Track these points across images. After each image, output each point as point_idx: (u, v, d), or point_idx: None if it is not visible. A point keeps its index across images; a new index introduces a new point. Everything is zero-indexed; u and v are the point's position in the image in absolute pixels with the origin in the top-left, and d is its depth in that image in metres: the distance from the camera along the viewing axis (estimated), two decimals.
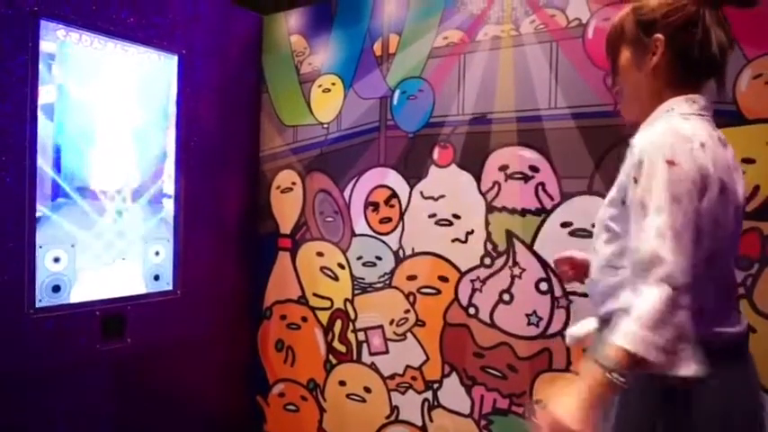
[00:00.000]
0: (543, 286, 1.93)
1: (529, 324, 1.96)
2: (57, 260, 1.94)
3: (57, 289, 1.94)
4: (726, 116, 1.61)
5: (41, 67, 1.86)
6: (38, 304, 1.89)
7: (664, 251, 0.91)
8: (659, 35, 1.07)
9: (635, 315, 0.90)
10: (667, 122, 1.02)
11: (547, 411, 0.93)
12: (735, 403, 1.01)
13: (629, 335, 0.89)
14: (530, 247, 1.96)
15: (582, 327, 1.22)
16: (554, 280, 1.92)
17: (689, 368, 0.89)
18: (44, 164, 1.89)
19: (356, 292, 2.38)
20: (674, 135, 0.98)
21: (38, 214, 1.88)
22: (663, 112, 1.07)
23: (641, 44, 1.09)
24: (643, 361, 0.88)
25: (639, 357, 0.88)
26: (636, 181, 0.98)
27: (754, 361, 1.08)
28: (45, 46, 1.87)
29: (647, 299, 0.90)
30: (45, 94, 1.88)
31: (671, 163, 0.94)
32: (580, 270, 1.35)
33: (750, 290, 1.60)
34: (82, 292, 2.01)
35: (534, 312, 1.95)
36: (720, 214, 1.00)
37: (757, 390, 1.07)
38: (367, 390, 2.35)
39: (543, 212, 1.93)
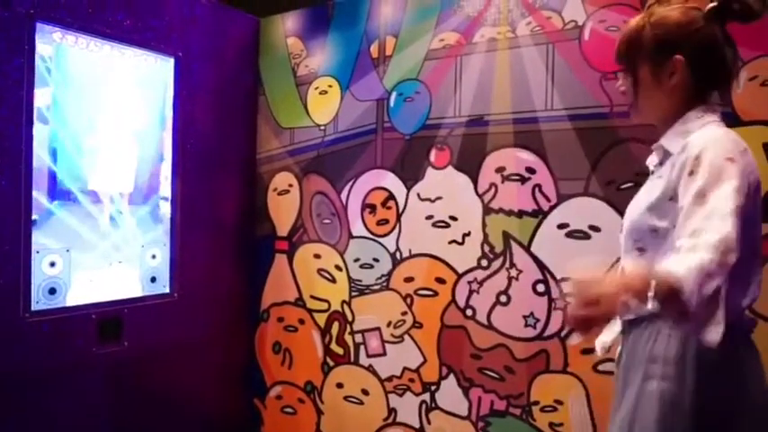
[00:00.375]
0: (540, 288, 1.94)
1: (526, 326, 1.97)
2: (53, 264, 1.94)
3: (53, 292, 1.94)
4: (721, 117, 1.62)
5: (38, 69, 1.85)
6: (34, 307, 1.88)
7: (727, 227, 0.91)
8: (679, 57, 1.10)
9: (696, 258, 0.89)
10: (711, 129, 1.07)
11: (584, 279, 0.92)
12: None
13: (686, 268, 0.88)
14: (527, 248, 1.96)
15: (609, 333, 1.23)
16: (551, 281, 1.92)
17: (716, 333, 0.91)
18: (40, 167, 1.88)
19: (353, 294, 2.38)
20: (727, 137, 1.04)
21: (34, 217, 1.87)
22: (695, 120, 1.11)
23: (660, 62, 1.13)
24: (682, 296, 0.87)
25: (683, 291, 0.87)
26: (692, 173, 0.99)
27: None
28: (41, 49, 1.86)
29: (707, 252, 0.89)
30: (41, 97, 1.87)
31: (731, 160, 0.98)
32: None
33: None
34: (78, 295, 2.01)
35: (531, 314, 1.95)
36: (755, 215, 1.06)
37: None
38: (364, 392, 2.35)
39: (540, 214, 1.94)
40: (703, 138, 1.04)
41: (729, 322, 0.95)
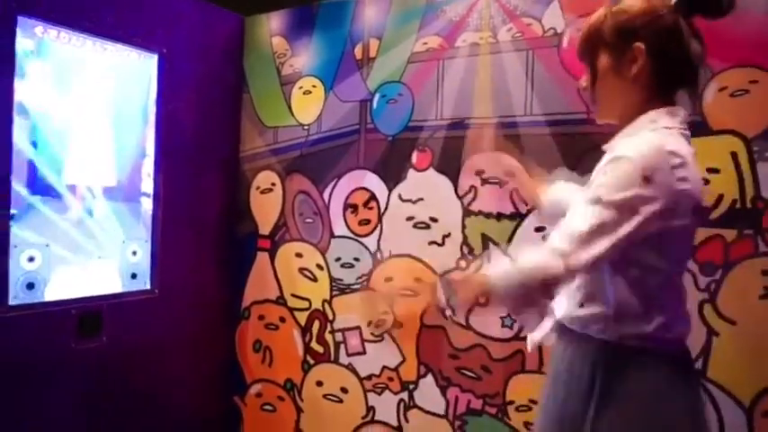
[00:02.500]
0: None
1: (503, 326, 2.00)
2: (31, 259, 1.93)
3: (31, 287, 1.93)
4: (692, 127, 1.67)
5: (18, 63, 1.85)
6: (11, 302, 1.87)
7: (586, 238, 0.98)
8: (640, 44, 1.06)
9: (522, 260, 1.04)
10: (653, 135, 1.02)
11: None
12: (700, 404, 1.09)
13: (502, 270, 1.06)
14: (505, 250, 2.00)
15: (540, 331, 1.26)
16: None
17: (530, 330, 1.06)
18: (20, 161, 1.87)
19: (334, 293, 2.40)
20: (658, 151, 0.98)
21: (12, 212, 1.86)
22: (647, 123, 1.06)
23: (620, 51, 1.09)
24: (491, 294, 1.08)
25: (492, 289, 1.07)
26: (604, 173, 1.01)
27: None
28: (22, 42, 1.85)
29: (541, 256, 1.01)
30: (22, 91, 1.86)
31: (647, 179, 0.96)
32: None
33: (714, 295, 1.66)
34: (57, 290, 2.00)
35: (508, 315, 1.99)
36: (690, 230, 1.07)
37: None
38: (344, 390, 2.37)
39: (518, 217, 1.97)
40: (631, 146, 1.00)
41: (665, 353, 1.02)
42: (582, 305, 1.11)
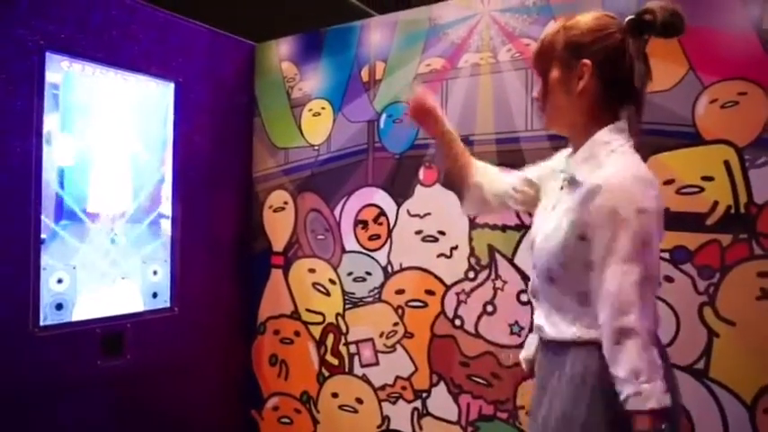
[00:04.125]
0: (524, 297, 2.05)
1: (511, 333, 2.08)
2: (60, 281, 2.03)
3: (59, 307, 2.03)
4: (686, 137, 1.76)
5: (47, 96, 1.96)
6: (42, 323, 1.97)
7: (636, 300, 1.01)
8: (587, 60, 1.11)
9: (632, 370, 0.99)
10: (623, 161, 1.08)
11: None
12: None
13: (645, 394, 0.99)
14: (510, 260, 2.08)
15: (529, 348, 1.33)
16: None
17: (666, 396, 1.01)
18: (48, 189, 1.98)
19: (347, 306, 2.48)
20: (638, 181, 1.04)
21: (42, 236, 1.97)
22: (601, 146, 1.11)
23: (569, 65, 1.13)
24: (666, 408, 0.99)
25: (664, 409, 0.99)
26: (613, 239, 1.03)
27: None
28: (50, 77, 1.97)
29: (634, 350, 1.00)
30: (50, 122, 1.98)
31: (641, 211, 1.01)
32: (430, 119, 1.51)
33: (713, 297, 1.73)
34: (83, 310, 2.09)
35: (516, 322, 2.07)
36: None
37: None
38: (359, 401, 2.44)
39: (522, 228, 2.06)
40: (611, 179, 1.05)
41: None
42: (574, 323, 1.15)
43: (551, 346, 1.19)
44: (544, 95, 1.18)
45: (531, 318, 2.01)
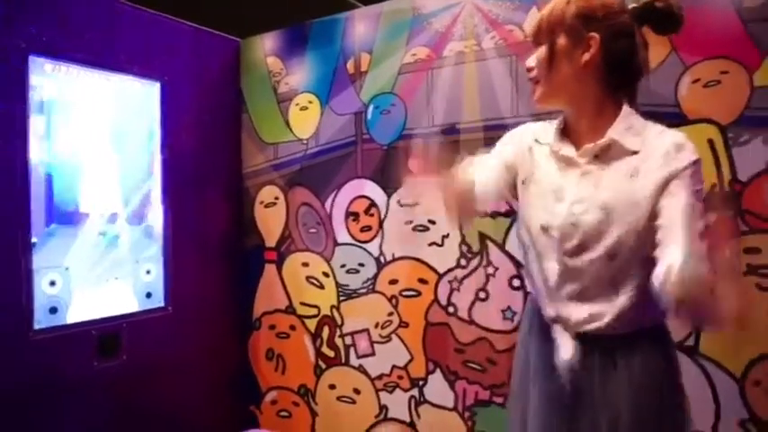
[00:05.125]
0: (516, 283, 2.07)
1: (504, 319, 2.10)
2: (52, 283, 2.03)
3: (54, 311, 2.03)
4: (670, 117, 1.77)
5: (31, 99, 1.95)
6: (36, 326, 1.97)
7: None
8: (595, 34, 1.11)
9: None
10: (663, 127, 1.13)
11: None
12: None
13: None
14: (501, 246, 2.10)
15: (567, 350, 1.17)
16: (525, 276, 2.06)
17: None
18: (37, 192, 1.97)
19: (341, 298, 2.50)
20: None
21: (33, 240, 1.96)
22: (634, 117, 1.13)
23: (576, 36, 1.12)
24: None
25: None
26: (692, 176, 1.06)
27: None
28: (34, 79, 1.96)
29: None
30: (36, 125, 1.97)
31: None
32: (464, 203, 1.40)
33: None
34: (78, 312, 2.09)
35: (509, 308, 2.09)
36: None
37: None
38: (356, 391, 2.46)
39: (512, 214, 2.07)
40: (683, 139, 1.11)
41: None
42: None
43: (601, 341, 1.13)
44: (548, 64, 1.15)
45: (524, 302, 2.05)
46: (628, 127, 1.12)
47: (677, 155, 1.08)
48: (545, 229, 1.18)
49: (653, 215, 1.07)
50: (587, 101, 1.15)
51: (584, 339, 1.14)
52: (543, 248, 1.20)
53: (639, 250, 1.09)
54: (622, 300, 1.11)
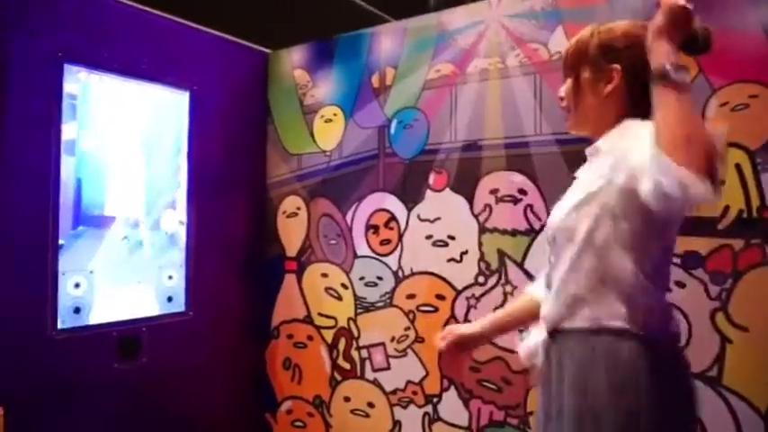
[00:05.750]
0: None
1: (521, 339, 2.06)
2: (77, 285, 2.08)
3: (77, 311, 2.08)
4: None
5: (65, 106, 2.02)
6: (60, 326, 2.02)
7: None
8: (617, 66, 1.13)
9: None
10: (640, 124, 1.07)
11: None
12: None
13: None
14: (520, 265, 2.08)
15: (532, 339, 1.26)
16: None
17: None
18: (66, 196, 2.04)
19: (359, 311, 2.50)
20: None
21: (60, 242, 2.02)
22: (628, 127, 1.10)
23: (599, 68, 1.15)
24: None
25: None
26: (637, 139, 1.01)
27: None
28: (68, 87, 2.03)
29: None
30: (68, 131, 2.03)
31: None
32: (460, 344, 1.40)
33: (725, 303, 1.70)
34: (100, 314, 2.14)
35: (526, 328, 2.05)
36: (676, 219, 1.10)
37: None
38: (370, 405, 2.45)
39: (532, 232, 2.05)
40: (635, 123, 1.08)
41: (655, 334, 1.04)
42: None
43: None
44: (574, 95, 1.19)
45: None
46: (619, 133, 1.12)
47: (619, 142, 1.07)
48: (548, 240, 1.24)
49: (607, 208, 1.06)
50: (610, 125, 1.16)
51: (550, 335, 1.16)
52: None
53: (594, 242, 1.08)
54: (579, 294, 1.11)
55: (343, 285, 2.55)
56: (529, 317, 1.38)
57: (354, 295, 2.51)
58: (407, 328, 2.35)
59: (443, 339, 1.41)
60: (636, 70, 1.11)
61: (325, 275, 2.61)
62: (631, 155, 1.01)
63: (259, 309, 2.78)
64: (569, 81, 1.21)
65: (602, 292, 1.08)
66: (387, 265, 2.41)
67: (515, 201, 2.09)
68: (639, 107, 1.13)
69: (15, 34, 1.90)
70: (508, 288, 2.10)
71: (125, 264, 2.23)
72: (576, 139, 1.95)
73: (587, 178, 1.14)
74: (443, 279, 2.26)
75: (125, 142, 2.24)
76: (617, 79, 1.13)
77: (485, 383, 2.15)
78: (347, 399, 2.53)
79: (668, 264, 1.14)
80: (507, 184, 2.11)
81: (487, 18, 2.17)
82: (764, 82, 1.66)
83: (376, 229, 2.45)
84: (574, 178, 1.22)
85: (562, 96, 1.23)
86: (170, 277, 2.40)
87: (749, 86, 1.68)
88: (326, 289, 2.60)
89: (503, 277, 2.12)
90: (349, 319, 2.52)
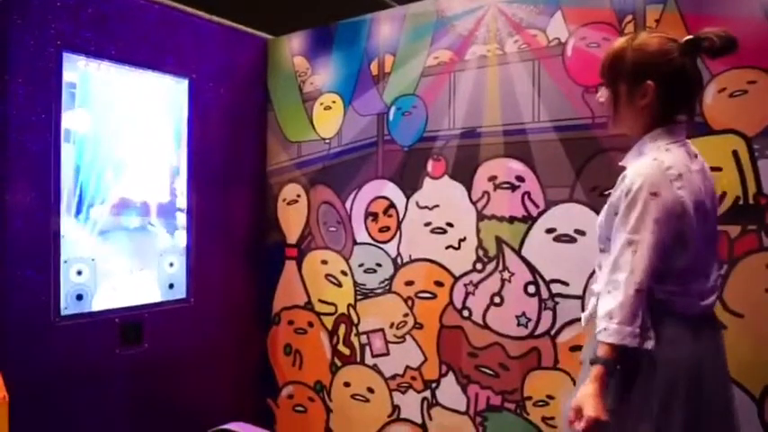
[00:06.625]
0: (531, 289, 2.06)
1: (518, 325, 2.08)
2: (79, 272, 2.11)
3: (80, 298, 2.11)
4: (694, 127, 1.72)
5: (64, 95, 2.03)
6: (63, 312, 2.05)
7: (634, 262, 1.19)
8: (651, 82, 1.27)
9: (607, 312, 1.20)
10: (652, 156, 1.25)
11: (572, 402, 1.21)
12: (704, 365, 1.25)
13: (609, 331, 1.19)
14: (518, 252, 2.09)
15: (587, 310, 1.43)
16: (541, 283, 2.04)
17: (651, 342, 1.21)
18: (67, 185, 2.06)
19: (358, 297, 2.52)
20: (657, 169, 1.22)
21: (61, 230, 2.04)
22: (649, 141, 1.30)
23: (634, 84, 1.30)
24: (623, 347, 1.18)
25: (620, 345, 1.18)
26: (628, 207, 1.22)
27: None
28: (67, 76, 2.04)
29: (616, 298, 1.19)
30: (68, 120, 2.05)
31: (654, 195, 1.20)
32: None
33: (721, 289, 1.70)
34: (103, 300, 2.17)
35: (523, 314, 2.07)
36: (698, 227, 1.25)
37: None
38: (370, 390, 2.48)
39: (529, 219, 2.06)
40: (636, 170, 1.24)
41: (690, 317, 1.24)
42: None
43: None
44: (613, 105, 1.36)
45: (539, 309, 2.04)
46: (639, 153, 1.32)
47: (621, 184, 1.28)
48: None
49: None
50: (645, 128, 1.33)
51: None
52: None
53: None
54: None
55: (343, 272, 2.57)
56: None
57: (354, 282, 2.53)
58: (406, 315, 2.37)
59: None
60: (667, 84, 1.28)
61: (324, 262, 2.63)
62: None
63: (260, 295, 2.81)
64: (607, 92, 1.36)
65: None
66: (386, 251, 2.43)
67: (513, 188, 2.09)
68: (668, 115, 1.31)
69: (14, 23, 1.90)
70: (506, 275, 2.11)
71: (127, 251, 2.26)
72: (574, 126, 1.98)
73: (612, 198, 1.32)
74: (442, 266, 2.27)
75: (125, 130, 2.25)
76: (651, 94, 1.28)
77: (482, 369, 2.17)
78: (347, 384, 2.56)
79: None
80: (505, 171, 2.11)
81: (485, 4, 2.16)
82: (763, 68, 1.65)
83: (375, 216, 2.46)
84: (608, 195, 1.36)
85: (603, 102, 1.39)
86: (171, 264, 2.43)
87: (748, 72, 1.67)
88: (326, 276, 2.62)
89: (500, 264, 2.13)
90: (349, 305, 2.55)
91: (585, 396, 1.18)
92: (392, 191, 2.40)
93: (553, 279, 2.01)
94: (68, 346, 2.05)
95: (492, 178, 2.14)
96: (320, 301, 2.64)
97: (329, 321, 2.61)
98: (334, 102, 2.59)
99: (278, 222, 2.79)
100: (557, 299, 2.00)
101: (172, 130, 2.43)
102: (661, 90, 1.28)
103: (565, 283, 1.98)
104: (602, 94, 1.39)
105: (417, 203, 2.33)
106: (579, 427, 1.17)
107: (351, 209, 2.53)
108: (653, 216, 1.19)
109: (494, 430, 2.15)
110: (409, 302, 2.36)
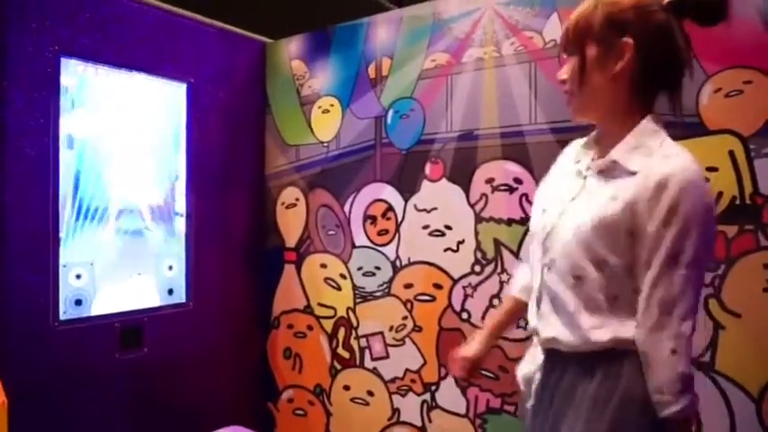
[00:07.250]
0: None
1: (517, 327, 2.08)
2: (78, 276, 2.11)
3: (79, 302, 2.11)
4: (690, 128, 1.73)
5: (62, 99, 2.04)
6: (62, 317, 2.05)
7: (694, 306, 0.99)
8: (629, 39, 1.02)
9: (669, 380, 0.97)
10: (684, 154, 1.01)
11: None
12: None
13: (682, 405, 0.98)
14: (516, 254, 2.09)
15: (531, 364, 1.22)
16: None
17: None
18: (66, 188, 2.06)
19: (357, 300, 2.52)
20: (699, 171, 0.99)
21: (61, 235, 2.05)
22: (651, 134, 1.04)
23: (608, 44, 1.04)
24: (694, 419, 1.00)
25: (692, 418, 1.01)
26: (667, 224, 0.96)
27: None
28: (66, 80, 2.05)
29: (681, 361, 0.97)
30: (66, 125, 2.05)
31: (709, 211, 0.99)
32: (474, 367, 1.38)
33: (718, 289, 1.71)
34: (102, 305, 2.17)
35: (522, 316, 2.07)
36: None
37: None
38: (370, 393, 2.48)
39: (527, 221, 2.05)
40: (676, 174, 0.97)
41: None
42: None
43: (572, 358, 1.08)
44: (579, 76, 1.07)
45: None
46: (636, 145, 1.03)
47: (649, 190, 0.98)
48: (531, 236, 1.21)
49: (624, 253, 1.01)
50: (621, 111, 1.07)
51: (561, 356, 1.11)
52: (532, 256, 1.20)
53: (602, 281, 1.02)
54: (583, 322, 1.05)
55: (342, 275, 2.57)
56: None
57: (353, 285, 2.53)
58: (405, 318, 2.37)
59: (462, 370, 1.38)
60: (648, 44, 1.02)
61: (323, 266, 2.63)
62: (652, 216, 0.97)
63: (259, 299, 2.81)
64: (573, 60, 1.08)
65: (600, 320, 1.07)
66: (384, 254, 2.43)
67: (511, 190, 2.10)
68: (648, 91, 1.06)
69: (12, 27, 1.91)
70: (504, 277, 2.11)
71: (125, 255, 2.26)
72: (571, 127, 1.97)
73: (615, 204, 1.02)
74: (440, 268, 2.27)
75: (123, 134, 2.26)
76: (629, 54, 1.02)
77: (482, 372, 2.16)
78: (347, 387, 2.55)
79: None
80: (503, 173, 2.12)
81: (482, 6, 2.16)
82: (759, 67, 1.65)
83: (373, 219, 2.46)
84: (580, 176, 1.12)
85: (564, 79, 1.11)
86: (170, 268, 2.43)
87: (743, 72, 1.67)
88: (325, 279, 2.62)
89: (499, 266, 2.13)
90: (348, 308, 2.55)
91: None
92: (390, 194, 2.41)
93: None
94: (68, 350, 2.05)
95: (490, 180, 2.15)
96: (319, 304, 2.64)
97: (328, 325, 2.61)
98: (332, 105, 2.59)
99: (277, 226, 2.79)
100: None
101: (170, 134, 2.44)
102: (641, 51, 1.02)
103: None
104: (565, 69, 1.10)
105: (415, 206, 2.34)
106: None
107: (349, 212, 2.54)
108: (709, 242, 0.99)
109: None
110: (408, 305, 2.36)
